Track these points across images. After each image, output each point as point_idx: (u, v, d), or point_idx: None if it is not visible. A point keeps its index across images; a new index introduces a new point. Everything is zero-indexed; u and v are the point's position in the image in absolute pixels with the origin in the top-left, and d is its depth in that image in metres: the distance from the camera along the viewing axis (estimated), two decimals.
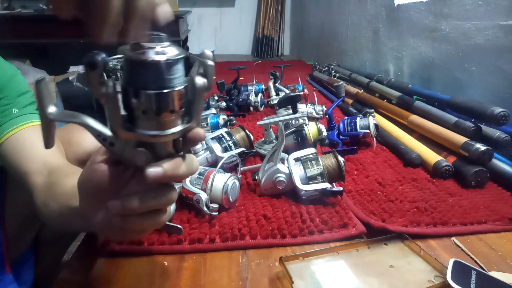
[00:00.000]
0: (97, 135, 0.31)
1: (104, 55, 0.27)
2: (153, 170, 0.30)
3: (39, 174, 0.54)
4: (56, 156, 0.59)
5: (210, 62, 0.30)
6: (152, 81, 0.28)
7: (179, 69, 0.29)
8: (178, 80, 0.29)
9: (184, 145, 0.33)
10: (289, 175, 0.61)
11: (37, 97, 0.30)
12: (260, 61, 2.81)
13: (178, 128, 0.30)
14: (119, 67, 2.62)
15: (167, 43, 0.28)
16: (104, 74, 0.28)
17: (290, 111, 0.75)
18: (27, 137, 0.60)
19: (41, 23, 2.40)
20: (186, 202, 0.58)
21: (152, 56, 0.27)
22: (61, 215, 0.45)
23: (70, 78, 2.51)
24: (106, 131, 0.31)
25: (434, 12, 1.10)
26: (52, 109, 0.30)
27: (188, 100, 0.30)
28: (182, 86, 0.29)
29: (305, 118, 0.80)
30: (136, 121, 0.29)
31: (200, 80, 0.29)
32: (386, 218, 0.56)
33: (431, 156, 0.74)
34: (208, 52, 0.30)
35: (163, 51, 0.27)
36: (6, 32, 2.15)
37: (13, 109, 0.62)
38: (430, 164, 0.72)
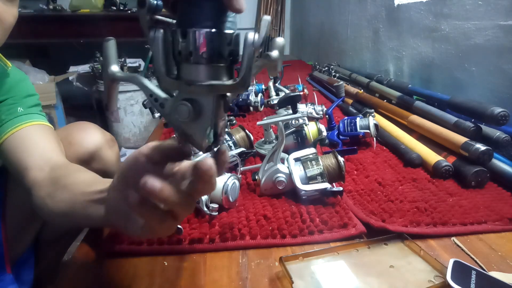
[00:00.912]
0: (149, 94, 0.31)
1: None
2: (205, 163, 0.29)
3: (40, 170, 0.54)
4: (58, 154, 0.59)
5: (266, 16, 0.28)
6: (201, 19, 0.27)
7: (231, 15, 0.28)
8: (230, 25, 0.28)
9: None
10: (289, 175, 0.61)
11: (103, 55, 0.31)
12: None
13: (219, 82, 0.28)
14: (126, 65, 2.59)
15: None
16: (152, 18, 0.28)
17: (290, 111, 0.75)
18: (29, 134, 0.60)
19: (41, 23, 2.40)
20: None
21: None
22: (70, 204, 0.45)
23: (70, 78, 2.51)
24: (159, 92, 0.31)
25: (434, 12, 1.10)
26: (114, 67, 0.30)
27: (235, 57, 0.29)
28: (233, 31, 0.28)
29: (305, 118, 0.80)
30: (179, 70, 0.28)
31: (251, 35, 0.27)
32: (386, 218, 0.56)
33: (431, 156, 0.74)
34: (266, 17, 0.29)
35: None
36: None
37: (18, 108, 0.63)
38: (430, 164, 0.72)
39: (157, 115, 1.04)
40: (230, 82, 0.28)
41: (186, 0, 0.27)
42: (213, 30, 0.27)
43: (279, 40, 0.31)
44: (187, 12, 0.27)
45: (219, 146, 0.31)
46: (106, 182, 0.43)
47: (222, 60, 0.28)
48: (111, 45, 0.30)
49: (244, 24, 3.43)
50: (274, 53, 0.31)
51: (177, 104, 0.29)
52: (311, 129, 0.79)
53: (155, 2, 0.28)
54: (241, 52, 0.28)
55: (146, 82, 0.31)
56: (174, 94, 0.31)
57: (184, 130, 0.30)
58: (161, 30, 0.28)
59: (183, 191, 0.31)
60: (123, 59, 2.44)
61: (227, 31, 0.27)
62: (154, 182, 0.29)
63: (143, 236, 0.37)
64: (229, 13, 0.28)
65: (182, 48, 0.27)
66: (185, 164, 0.32)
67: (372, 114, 0.92)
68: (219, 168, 0.31)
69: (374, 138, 0.85)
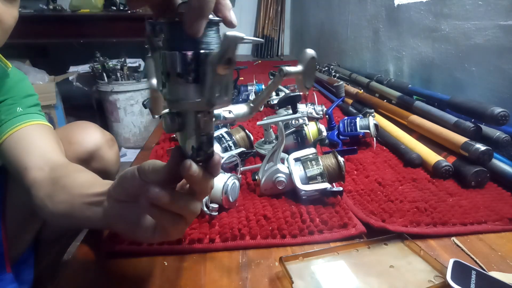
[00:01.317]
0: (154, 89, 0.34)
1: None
2: (189, 165, 0.32)
3: (39, 170, 0.54)
4: (57, 154, 0.59)
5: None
6: (176, 41, 0.29)
7: (210, 34, 0.30)
8: (205, 45, 0.29)
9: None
10: (289, 175, 0.61)
11: (146, 69, 0.34)
12: (260, 61, 2.81)
13: (189, 99, 0.30)
14: (118, 67, 2.61)
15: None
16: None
17: (290, 111, 0.75)
18: (29, 134, 0.60)
19: (41, 23, 2.40)
20: None
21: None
22: (69, 206, 0.46)
23: (70, 78, 2.51)
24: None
25: (434, 12, 1.10)
26: (154, 81, 0.33)
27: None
28: (192, 52, 0.29)
29: (305, 118, 0.80)
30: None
31: (212, 53, 0.29)
32: (386, 218, 0.56)
33: (431, 156, 0.74)
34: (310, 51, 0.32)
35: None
36: None
37: (18, 108, 0.63)
38: (430, 164, 0.72)
39: (157, 116, 1.04)
40: (196, 99, 0.30)
41: (166, 24, 0.29)
42: (176, 52, 0.29)
43: (309, 52, 0.32)
44: (167, 36, 0.30)
45: (207, 155, 0.34)
46: (105, 185, 0.44)
47: (185, 79, 0.30)
48: (150, 61, 0.33)
49: (244, 24, 3.43)
50: (290, 68, 0.34)
51: (165, 114, 0.32)
52: (311, 129, 0.79)
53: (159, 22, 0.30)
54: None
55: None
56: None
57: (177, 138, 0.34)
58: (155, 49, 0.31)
59: (180, 193, 0.35)
60: (123, 59, 2.44)
61: (186, 52, 0.29)
62: (155, 190, 0.32)
63: (156, 240, 0.38)
64: (207, 33, 0.29)
65: (163, 67, 0.30)
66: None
67: (372, 114, 0.92)
68: (209, 173, 0.34)
69: (374, 138, 0.85)
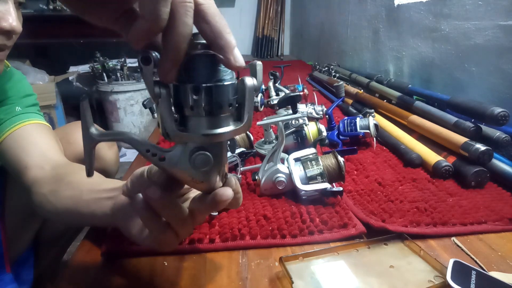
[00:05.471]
0: (146, 150, 0.31)
1: (157, 53, 0.27)
2: (224, 193, 0.32)
3: (40, 168, 0.54)
4: (57, 153, 0.59)
5: (258, 62, 0.30)
6: (209, 74, 0.28)
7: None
8: (230, 75, 0.29)
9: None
10: (289, 175, 0.61)
11: (81, 116, 0.30)
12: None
13: (231, 128, 0.30)
14: (118, 67, 2.60)
15: None
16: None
17: (290, 111, 0.75)
18: (28, 133, 0.61)
19: (41, 23, 2.40)
20: None
21: (208, 50, 0.27)
22: (75, 201, 0.46)
23: (70, 78, 2.51)
24: (155, 146, 0.31)
25: (434, 12, 1.10)
26: (93, 130, 0.30)
27: (238, 102, 0.30)
28: (235, 81, 0.29)
29: (305, 118, 0.80)
30: (189, 123, 0.29)
31: (249, 81, 0.29)
32: (386, 218, 0.56)
33: (431, 156, 0.74)
34: (258, 62, 0.31)
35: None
36: None
37: (16, 107, 0.63)
38: (430, 164, 0.72)
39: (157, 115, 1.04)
40: (238, 126, 0.30)
41: (194, 58, 0.28)
42: (225, 83, 0.28)
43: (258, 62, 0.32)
44: (194, 68, 0.28)
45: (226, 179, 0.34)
46: (116, 182, 0.46)
47: (229, 109, 0.29)
48: (86, 105, 0.30)
49: (244, 24, 3.43)
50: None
51: (195, 156, 0.30)
52: (311, 129, 0.79)
53: (156, 55, 0.27)
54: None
55: (137, 137, 0.31)
56: (178, 146, 0.31)
57: (195, 177, 0.31)
58: (166, 87, 0.28)
59: (181, 208, 0.34)
60: (123, 59, 2.44)
61: (228, 83, 0.29)
62: (155, 190, 0.31)
63: (146, 245, 0.39)
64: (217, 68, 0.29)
65: (193, 102, 0.28)
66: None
67: (372, 114, 0.92)
68: (234, 198, 0.34)
69: (374, 138, 0.85)
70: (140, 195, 0.33)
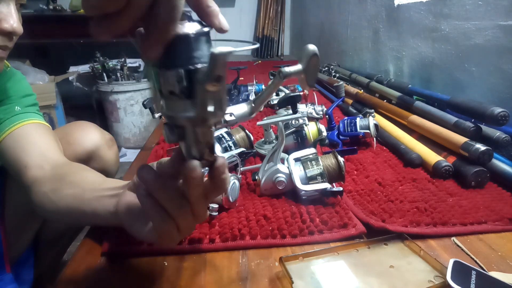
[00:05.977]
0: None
1: None
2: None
3: (40, 168, 0.55)
4: (57, 153, 0.59)
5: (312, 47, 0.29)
6: (171, 59, 0.28)
7: (201, 47, 0.28)
8: (197, 60, 0.28)
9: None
10: (289, 175, 0.61)
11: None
12: (260, 61, 2.81)
13: (182, 113, 0.30)
14: (118, 67, 2.60)
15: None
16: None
17: (290, 111, 0.75)
18: (28, 132, 0.61)
19: (41, 23, 2.40)
20: None
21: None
22: (77, 199, 0.47)
23: (70, 78, 2.51)
24: None
25: (434, 12, 1.10)
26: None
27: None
28: (182, 69, 0.28)
29: (305, 118, 0.80)
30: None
31: (201, 71, 0.28)
32: (386, 218, 0.56)
33: (431, 156, 0.74)
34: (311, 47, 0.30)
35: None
36: None
37: (16, 107, 0.63)
38: (430, 164, 0.72)
39: (157, 115, 1.04)
40: (191, 114, 0.30)
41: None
42: (166, 69, 0.28)
43: (310, 48, 0.31)
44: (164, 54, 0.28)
45: (209, 163, 0.33)
46: (118, 181, 0.46)
47: (177, 96, 0.29)
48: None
49: (244, 24, 3.43)
50: (289, 69, 0.33)
51: (163, 126, 0.32)
52: (311, 129, 0.79)
53: None
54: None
55: None
56: None
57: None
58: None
59: (175, 191, 0.34)
60: (123, 59, 2.44)
61: (177, 69, 0.28)
62: (148, 170, 0.32)
63: (148, 239, 0.38)
64: (197, 45, 0.28)
65: (154, 84, 0.30)
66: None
67: (372, 114, 0.92)
68: (215, 181, 0.33)
69: (374, 138, 0.85)
70: (143, 185, 0.33)
